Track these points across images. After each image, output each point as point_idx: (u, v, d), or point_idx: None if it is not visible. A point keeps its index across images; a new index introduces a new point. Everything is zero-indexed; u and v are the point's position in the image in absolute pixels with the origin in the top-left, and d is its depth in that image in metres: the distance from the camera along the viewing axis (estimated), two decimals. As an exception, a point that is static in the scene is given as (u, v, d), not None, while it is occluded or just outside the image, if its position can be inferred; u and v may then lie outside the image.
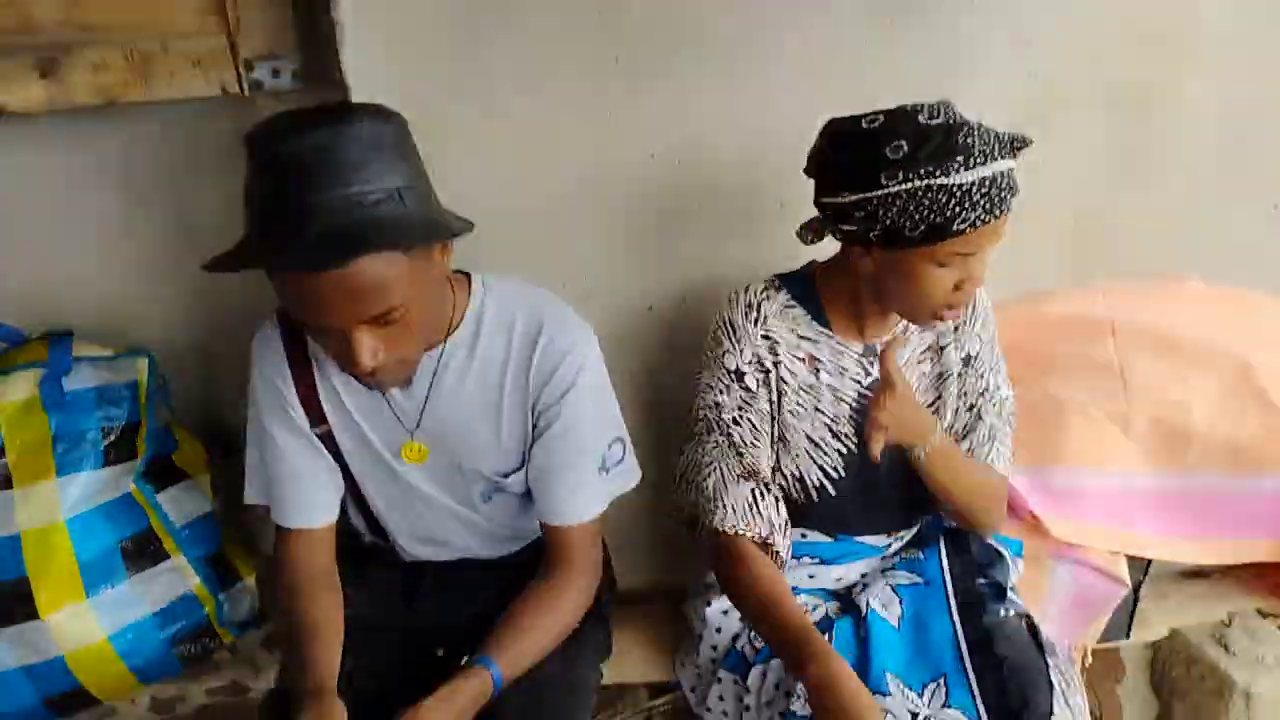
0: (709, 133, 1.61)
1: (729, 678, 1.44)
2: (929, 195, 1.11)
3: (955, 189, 1.11)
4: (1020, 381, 1.64)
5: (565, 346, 1.28)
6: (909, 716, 1.24)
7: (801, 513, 1.43)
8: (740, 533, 1.32)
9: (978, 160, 1.12)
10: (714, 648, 1.49)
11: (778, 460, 1.40)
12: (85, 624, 1.33)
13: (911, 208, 1.12)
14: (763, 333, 1.35)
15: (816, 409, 1.37)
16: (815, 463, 1.39)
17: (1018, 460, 1.60)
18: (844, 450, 1.40)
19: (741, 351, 1.35)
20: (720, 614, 1.49)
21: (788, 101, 1.59)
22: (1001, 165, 1.14)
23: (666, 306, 1.74)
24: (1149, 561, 1.66)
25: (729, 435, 1.35)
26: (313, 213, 1.00)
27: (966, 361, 1.40)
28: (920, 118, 1.15)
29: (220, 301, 1.63)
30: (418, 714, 1.16)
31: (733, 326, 1.36)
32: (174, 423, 1.54)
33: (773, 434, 1.38)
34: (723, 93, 1.59)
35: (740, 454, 1.35)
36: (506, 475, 1.35)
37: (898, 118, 1.16)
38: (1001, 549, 1.50)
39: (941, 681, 1.29)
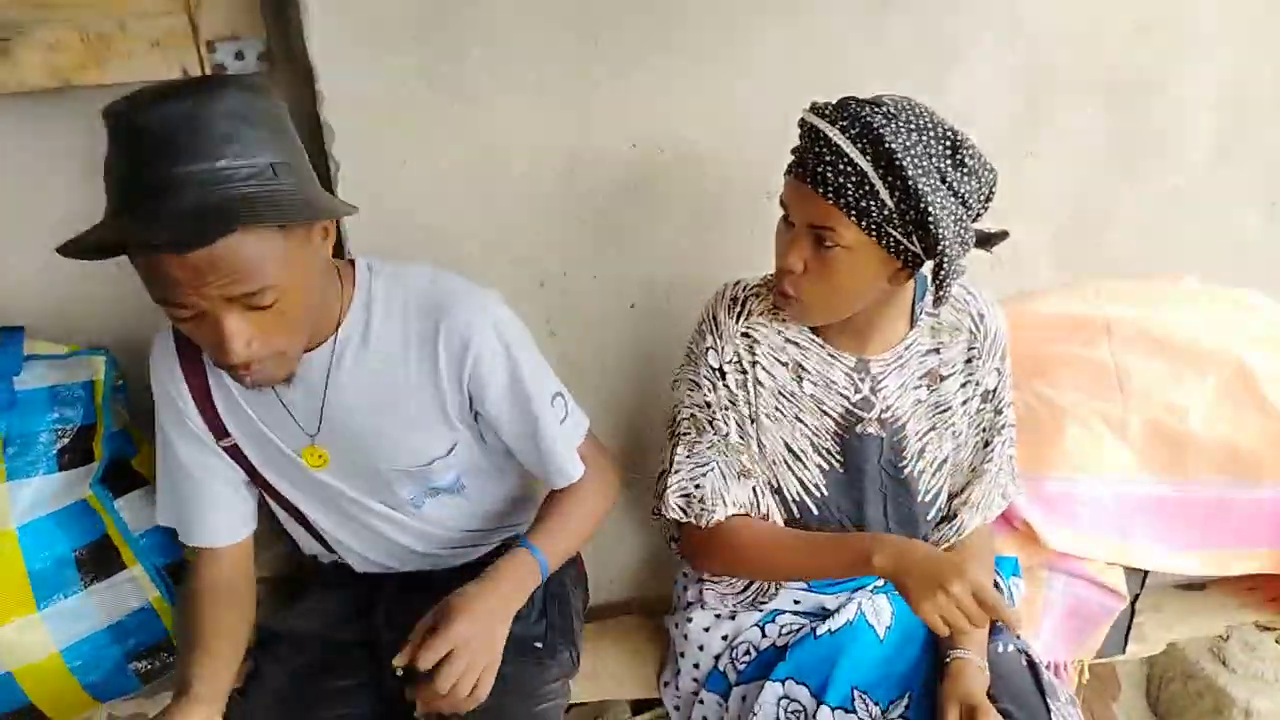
0: (694, 121, 1.59)
1: (712, 698, 1.42)
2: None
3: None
4: (1014, 385, 1.63)
5: (471, 316, 1.23)
6: None
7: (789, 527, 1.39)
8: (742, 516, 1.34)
9: None
10: (696, 666, 1.47)
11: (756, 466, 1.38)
12: (35, 637, 1.29)
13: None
14: (744, 329, 1.33)
15: (797, 418, 1.34)
16: (794, 474, 1.36)
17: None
18: (825, 466, 1.36)
19: (723, 349, 1.33)
20: (702, 631, 1.47)
21: (774, 90, 1.58)
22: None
23: (650, 304, 1.71)
24: (1146, 573, 1.64)
25: (724, 435, 1.33)
26: (177, 187, 0.94)
27: (985, 397, 1.38)
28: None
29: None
30: (463, 598, 1.16)
31: (715, 321, 1.34)
32: (132, 425, 1.50)
33: (756, 437, 1.35)
34: (707, 79, 1.57)
35: (739, 452, 1.34)
36: (430, 463, 1.30)
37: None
38: (997, 575, 1.46)
39: (907, 698, 1.27)
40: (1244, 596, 1.79)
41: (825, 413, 1.34)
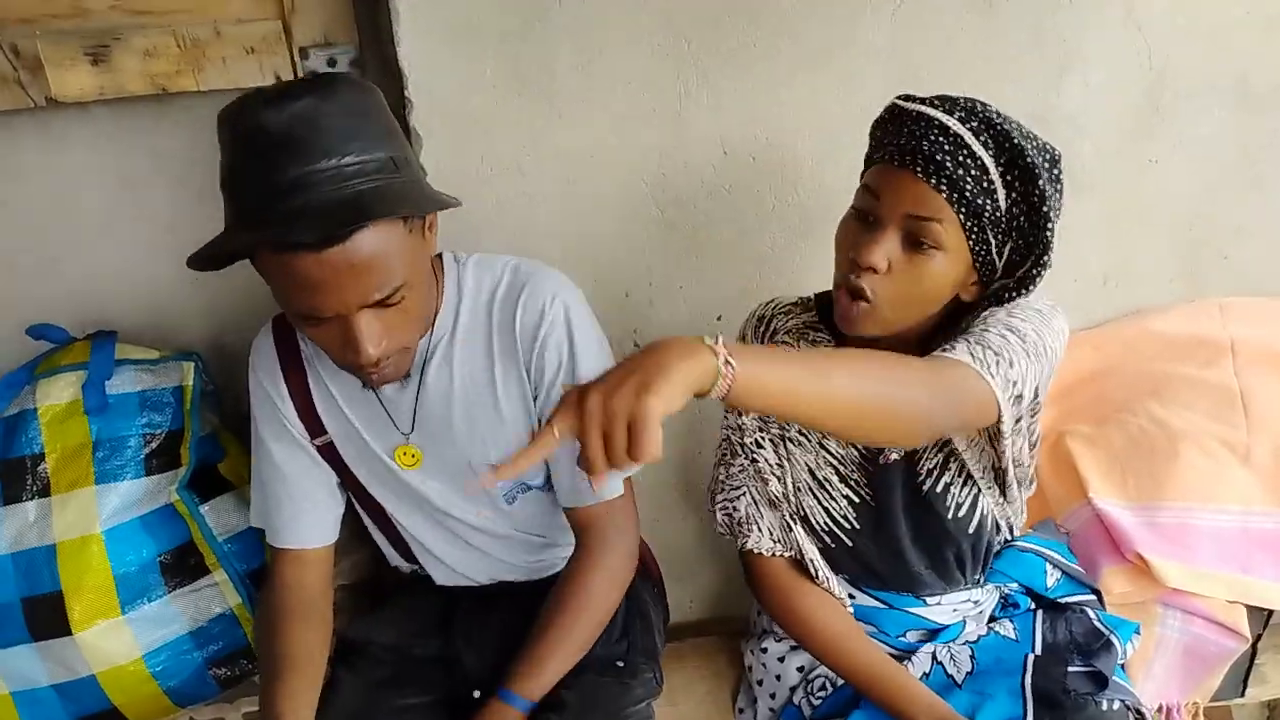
0: (789, 127, 1.54)
1: None
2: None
3: None
4: (1126, 407, 1.54)
5: (546, 295, 1.22)
6: None
7: (828, 561, 1.33)
8: (778, 555, 1.31)
9: None
10: (772, 696, 1.42)
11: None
12: (119, 641, 1.30)
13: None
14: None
15: (821, 444, 1.28)
16: (820, 503, 1.30)
17: (1122, 495, 1.51)
18: (854, 498, 1.29)
19: None
20: (777, 661, 1.42)
21: (875, 95, 1.49)
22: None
23: (737, 317, 1.59)
24: (1270, 612, 1.53)
25: (754, 459, 1.29)
26: (310, 185, 0.96)
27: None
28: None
29: (272, 304, 1.59)
30: None
31: (744, 341, 1.30)
32: (221, 430, 1.51)
33: (789, 459, 1.30)
34: (803, 84, 1.52)
35: (765, 480, 1.29)
36: None
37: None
38: (1111, 632, 1.35)
39: None
40: None
41: (850, 443, 1.27)
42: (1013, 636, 1.34)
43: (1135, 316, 1.70)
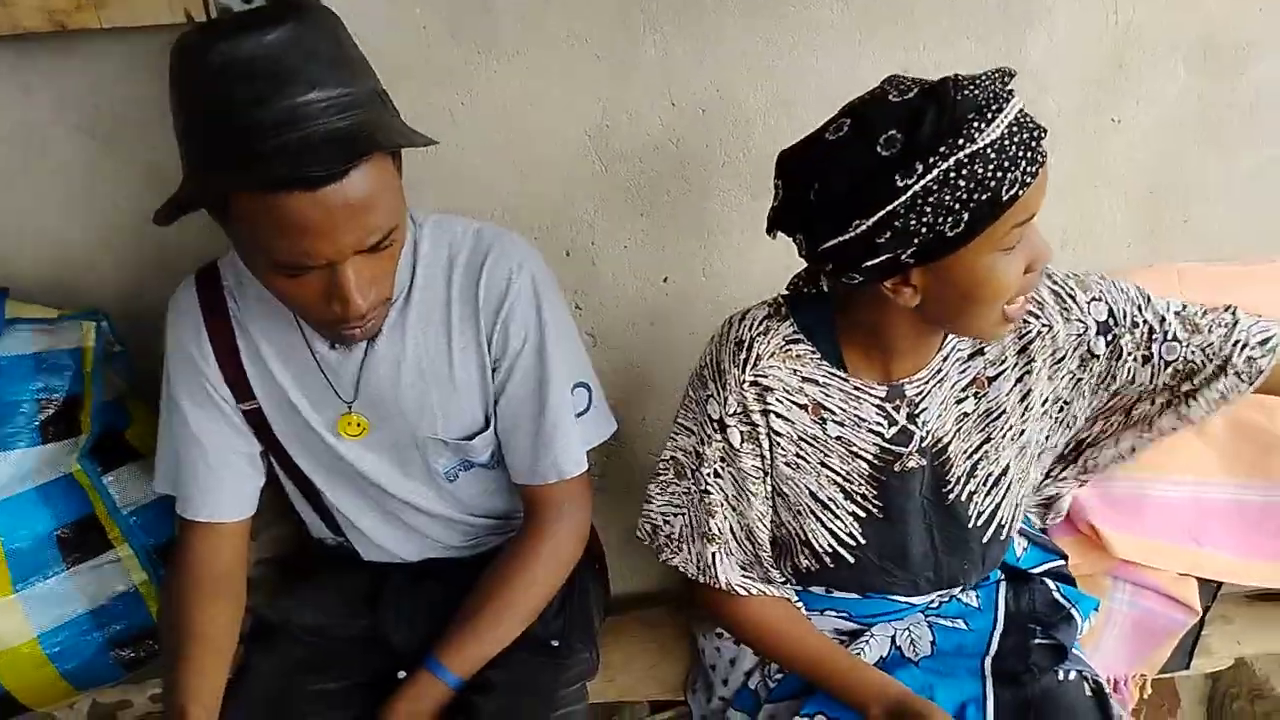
0: (740, 78, 1.46)
1: (739, 717, 1.32)
2: (964, 172, 0.90)
3: (990, 150, 0.90)
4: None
5: (513, 265, 1.16)
6: None
7: (814, 579, 1.28)
8: (702, 582, 1.25)
9: (994, 107, 0.91)
10: (725, 683, 1.37)
11: (776, 515, 1.24)
12: (11, 621, 1.22)
13: (949, 197, 0.91)
14: (752, 378, 1.14)
15: (823, 464, 1.18)
16: (824, 526, 1.21)
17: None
18: (861, 514, 1.20)
19: (726, 400, 1.15)
20: (732, 645, 1.38)
21: (831, 46, 1.45)
22: (1016, 103, 0.93)
23: (686, 278, 1.61)
24: (1219, 584, 1.52)
25: (704, 491, 1.20)
26: (299, 119, 0.88)
27: (1104, 329, 1.16)
28: (890, 98, 0.94)
29: (188, 260, 1.49)
30: None
31: (718, 369, 1.16)
32: (129, 395, 1.42)
33: (766, 492, 1.21)
34: (759, 35, 1.44)
35: (710, 514, 1.20)
36: (470, 438, 1.23)
37: (865, 112, 0.95)
38: (1072, 606, 1.33)
39: None
40: None
41: (857, 455, 1.17)
42: (975, 605, 1.31)
43: None
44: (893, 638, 1.28)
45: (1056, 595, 1.34)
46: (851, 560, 1.22)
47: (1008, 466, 1.21)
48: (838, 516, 1.20)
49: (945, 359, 1.16)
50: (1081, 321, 1.15)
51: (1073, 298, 1.16)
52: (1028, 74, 1.53)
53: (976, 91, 0.91)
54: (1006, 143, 0.90)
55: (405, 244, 1.15)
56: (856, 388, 1.15)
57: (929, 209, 0.92)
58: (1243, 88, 1.60)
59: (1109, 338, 1.16)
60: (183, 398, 1.20)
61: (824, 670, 1.20)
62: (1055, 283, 1.17)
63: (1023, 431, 1.20)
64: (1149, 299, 1.19)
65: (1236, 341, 1.17)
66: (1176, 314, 1.19)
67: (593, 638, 1.39)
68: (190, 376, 1.19)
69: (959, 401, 1.17)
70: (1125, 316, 1.17)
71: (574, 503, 1.26)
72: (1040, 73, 1.53)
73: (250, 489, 1.26)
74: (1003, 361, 1.17)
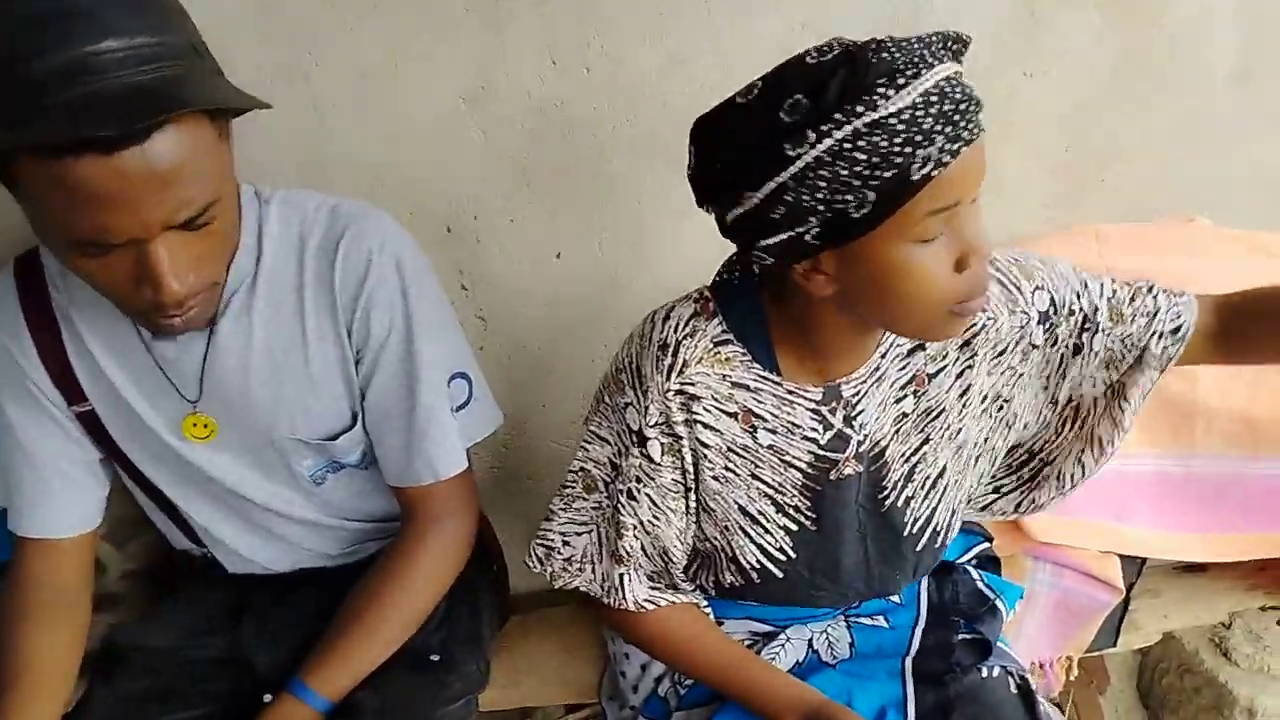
0: (627, 33, 1.35)
1: None
2: (862, 143, 0.80)
3: (894, 120, 0.79)
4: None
5: (372, 245, 1.06)
6: None
7: (736, 594, 1.19)
8: (606, 602, 1.16)
9: (909, 73, 0.79)
10: (635, 690, 1.28)
11: (701, 530, 1.14)
12: None
13: (845, 172, 0.80)
14: (678, 386, 1.02)
15: (754, 476, 1.08)
16: (752, 541, 1.11)
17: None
18: (794, 526, 1.11)
19: (647, 410, 1.03)
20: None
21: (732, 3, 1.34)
22: (944, 69, 0.81)
23: (580, 254, 1.50)
24: (1143, 560, 1.48)
25: (616, 509, 1.09)
26: (93, 69, 0.76)
27: (1045, 319, 1.08)
28: (808, 59, 0.83)
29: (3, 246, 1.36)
30: None
31: (639, 375, 1.04)
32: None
33: (688, 507, 1.10)
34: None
35: (621, 534, 1.10)
36: (334, 437, 1.12)
37: (778, 75, 0.85)
38: (997, 597, 1.26)
39: None
40: (1253, 578, 1.62)
41: (790, 464, 1.07)
42: (897, 600, 1.25)
43: (1008, 246, 1.54)
44: (810, 640, 1.21)
45: (981, 585, 1.28)
46: (779, 575, 1.12)
47: (944, 468, 1.12)
48: (768, 531, 1.10)
49: (884, 355, 1.05)
50: (1025, 313, 1.07)
51: (1018, 288, 1.07)
52: (938, 25, 1.44)
53: (898, 55, 0.79)
54: (919, 113, 0.78)
55: (250, 223, 1.04)
56: (790, 391, 1.04)
57: (823, 183, 0.81)
58: (1160, 36, 1.54)
59: (1047, 326, 1.08)
60: (6, 401, 1.08)
61: (737, 680, 1.12)
62: (1000, 271, 1.07)
63: (960, 430, 1.11)
64: (1085, 284, 1.10)
65: (1154, 331, 1.09)
66: (1108, 300, 1.10)
67: (481, 648, 1.29)
68: (12, 377, 1.07)
69: (898, 401, 1.08)
70: (1064, 304, 1.08)
71: (454, 505, 1.16)
72: (947, 23, 1.43)
73: (90, 501, 1.14)
74: (944, 357, 1.07)
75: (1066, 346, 1.10)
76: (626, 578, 1.12)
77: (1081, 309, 1.09)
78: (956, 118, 0.80)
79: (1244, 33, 1.58)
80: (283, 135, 1.30)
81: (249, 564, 1.24)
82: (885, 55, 0.79)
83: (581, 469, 1.13)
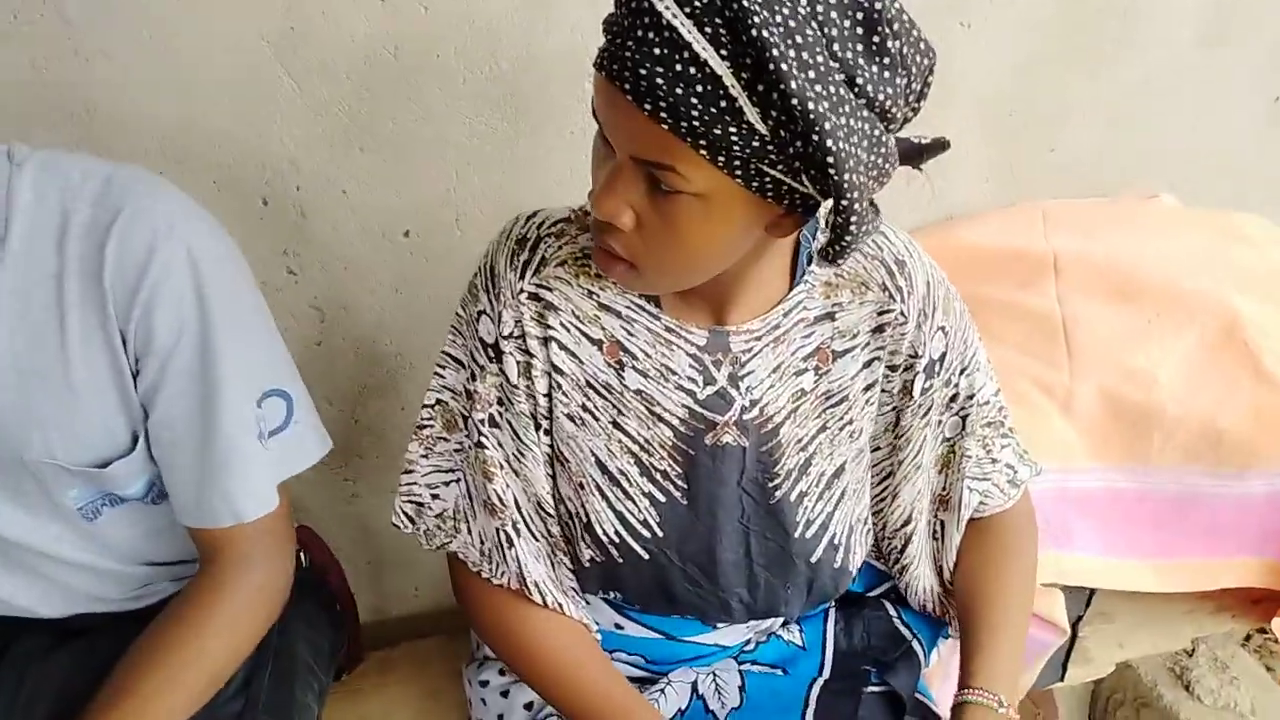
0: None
1: None
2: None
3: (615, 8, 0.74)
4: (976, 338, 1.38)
5: (157, 226, 0.86)
6: None
7: (599, 579, 1.04)
8: (485, 577, 1.01)
9: None
10: None
11: (555, 488, 1.00)
12: None
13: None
14: (533, 288, 0.91)
15: (615, 424, 0.96)
16: (611, 507, 0.98)
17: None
18: (660, 496, 0.98)
19: (501, 316, 0.92)
20: (500, 697, 1.13)
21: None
22: None
23: (433, 229, 1.32)
24: (1091, 591, 1.36)
25: (479, 443, 0.95)
26: None
27: (930, 371, 1.00)
28: None
29: None
30: None
31: (492, 275, 0.94)
32: None
33: (544, 449, 0.97)
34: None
35: (489, 475, 0.95)
36: (105, 464, 0.93)
37: None
38: (914, 638, 1.13)
39: None
40: (1219, 599, 1.49)
41: (660, 418, 0.95)
42: (799, 643, 1.12)
43: (944, 225, 1.49)
44: (694, 684, 1.07)
45: (897, 624, 1.14)
46: (644, 555, 0.99)
47: (842, 467, 1.00)
48: (629, 496, 0.98)
49: (787, 314, 0.94)
50: (917, 344, 0.99)
51: (931, 313, 0.98)
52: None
53: None
54: (619, 4, 0.71)
55: None
56: (669, 329, 0.93)
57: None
58: None
59: (911, 376, 0.99)
60: None
61: (607, 717, 0.97)
62: (931, 282, 0.99)
63: (860, 430, 0.99)
64: (985, 385, 1.07)
65: (968, 475, 1.07)
66: (986, 425, 1.07)
67: (291, 712, 1.08)
68: None
69: (798, 374, 0.95)
70: (945, 371, 1.01)
71: (263, 549, 0.97)
72: None
73: None
74: (854, 336, 0.96)
75: (915, 411, 1.02)
76: (508, 537, 0.97)
77: (962, 407, 1.05)
78: (612, 38, 0.71)
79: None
80: (48, 90, 1.08)
81: (7, 607, 1.03)
82: None
83: (438, 401, 1.01)
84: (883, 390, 1.00)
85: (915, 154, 0.81)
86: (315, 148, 1.21)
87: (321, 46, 1.15)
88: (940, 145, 0.83)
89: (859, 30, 0.68)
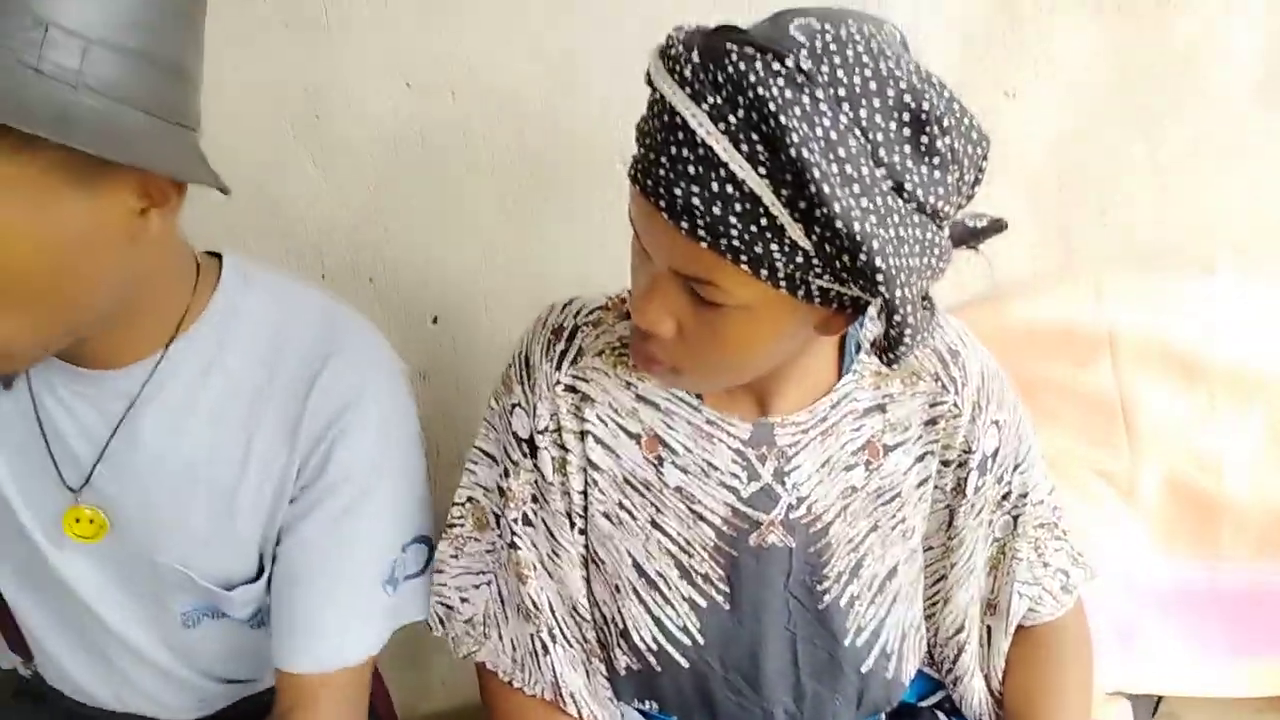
0: (501, 45, 1.17)
1: None
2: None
3: (648, 110, 0.73)
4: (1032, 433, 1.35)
5: (355, 383, 0.89)
6: None
7: (636, 689, 1.00)
8: (517, 687, 0.96)
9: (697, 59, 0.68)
10: None
11: (590, 591, 0.97)
12: None
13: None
14: (570, 379, 0.90)
15: (654, 524, 0.93)
16: (649, 612, 0.95)
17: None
18: (702, 601, 0.94)
19: (536, 410, 0.90)
20: None
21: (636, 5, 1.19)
22: (671, 94, 0.67)
23: (460, 318, 1.31)
24: (1159, 698, 1.30)
25: (512, 543, 0.92)
26: None
27: (983, 467, 0.97)
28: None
29: None
30: None
31: (527, 365, 0.92)
32: None
33: (580, 550, 0.94)
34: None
35: (522, 578, 0.92)
36: (231, 588, 0.93)
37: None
38: None
39: None
40: None
41: (701, 516, 0.92)
42: None
43: (992, 301, 1.43)
44: None
45: None
46: (684, 663, 0.94)
47: (895, 569, 0.96)
48: (668, 600, 0.95)
49: (835, 405, 0.90)
50: (971, 439, 0.95)
51: (985, 405, 0.95)
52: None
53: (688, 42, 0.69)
54: (650, 116, 0.70)
55: (221, 297, 0.87)
56: (710, 421, 0.90)
57: None
58: (1171, 42, 1.41)
59: (965, 472, 0.96)
60: None
61: None
62: (986, 374, 0.97)
63: (914, 528, 0.95)
64: (1039, 484, 1.03)
65: (1019, 579, 1.02)
66: (1039, 526, 1.03)
67: None
68: None
69: (848, 469, 0.91)
70: (998, 467, 0.98)
71: (338, 707, 0.95)
72: (911, 26, 1.24)
73: None
74: (906, 429, 0.92)
75: (968, 509, 0.98)
76: (546, 646, 0.94)
77: (1015, 506, 1.01)
78: (645, 151, 0.70)
79: (1273, 36, 1.45)
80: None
81: (73, 687, 1.03)
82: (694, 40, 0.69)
83: (470, 499, 0.98)
84: (935, 486, 0.96)
85: (970, 237, 0.79)
86: (337, 232, 1.21)
87: (344, 132, 1.16)
88: (997, 227, 0.80)
89: (906, 131, 0.64)
